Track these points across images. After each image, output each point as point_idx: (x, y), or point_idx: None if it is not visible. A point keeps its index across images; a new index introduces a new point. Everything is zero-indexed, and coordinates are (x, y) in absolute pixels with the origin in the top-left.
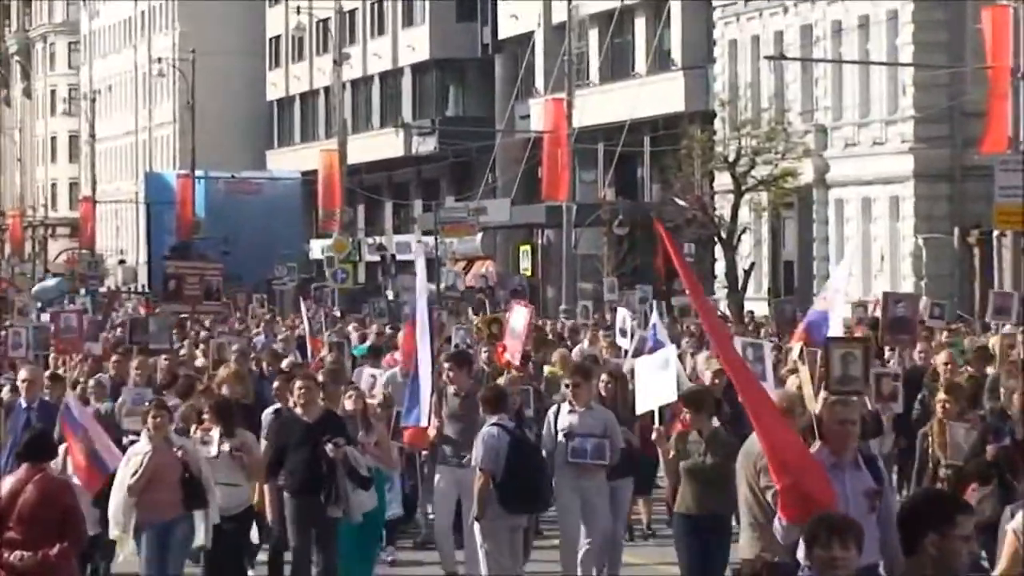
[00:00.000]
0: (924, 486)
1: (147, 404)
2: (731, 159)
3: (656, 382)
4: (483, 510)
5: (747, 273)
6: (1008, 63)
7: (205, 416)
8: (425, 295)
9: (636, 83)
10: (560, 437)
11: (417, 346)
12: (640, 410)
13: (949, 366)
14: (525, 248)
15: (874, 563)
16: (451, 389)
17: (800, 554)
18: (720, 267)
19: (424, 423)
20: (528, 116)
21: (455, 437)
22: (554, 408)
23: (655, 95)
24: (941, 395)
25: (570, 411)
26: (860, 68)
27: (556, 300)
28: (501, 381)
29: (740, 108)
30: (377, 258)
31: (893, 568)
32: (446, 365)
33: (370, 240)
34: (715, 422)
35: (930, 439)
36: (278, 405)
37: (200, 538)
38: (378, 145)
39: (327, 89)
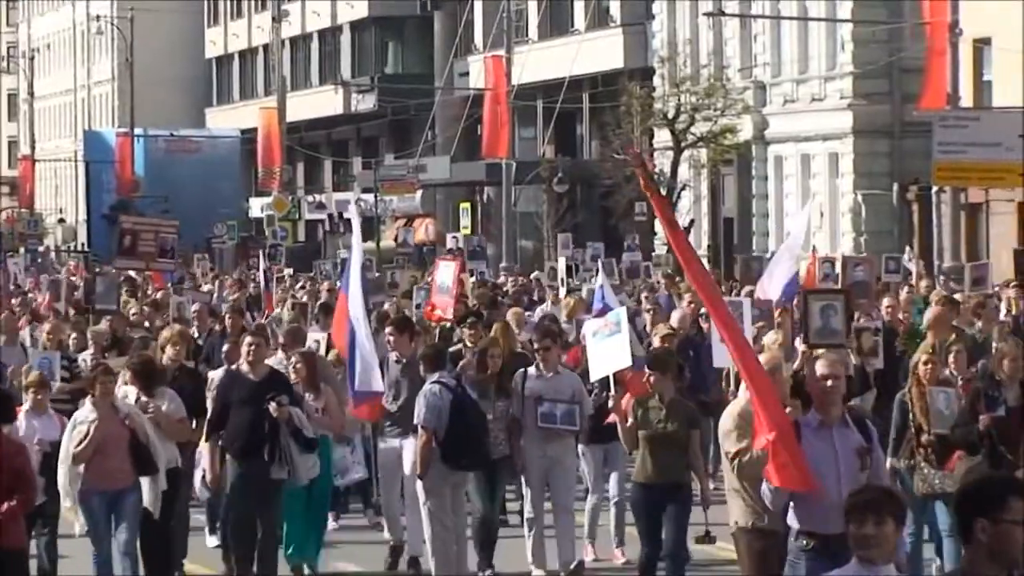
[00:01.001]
0: (903, 454)
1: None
2: (670, 116)
3: (608, 347)
4: (426, 468)
5: (687, 230)
6: (946, 18)
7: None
8: (360, 257)
9: (575, 40)
10: (528, 401)
11: (349, 314)
12: (594, 377)
13: (936, 328)
14: (465, 206)
15: None
16: (392, 356)
17: (791, 519)
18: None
19: (379, 388)
20: (467, 73)
21: (398, 407)
22: (520, 372)
23: (594, 52)
24: (923, 358)
25: (537, 375)
26: (799, 24)
27: (496, 257)
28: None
29: (679, 65)
30: (317, 216)
31: None
32: (387, 331)
33: (310, 198)
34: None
35: (910, 406)
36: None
37: (147, 502)
38: (317, 103)
39: (266, 47)
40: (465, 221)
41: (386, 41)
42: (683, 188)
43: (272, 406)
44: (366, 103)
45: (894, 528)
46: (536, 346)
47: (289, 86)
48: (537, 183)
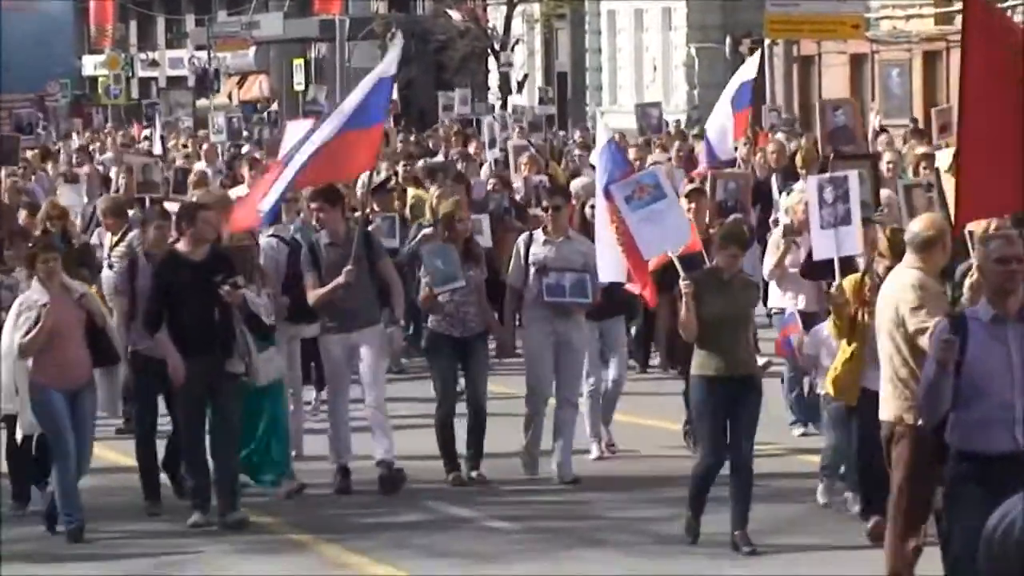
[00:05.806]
0: None
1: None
2: None
3: (656, 218)
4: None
5: (520, 84)
6: None
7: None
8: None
9: None
10: (531, 271)
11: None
12: (648, 256)
13: None
14: (299, 62)
15: None
16: (324, 238)
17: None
18: (493, 78)
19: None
20: None
21: (339, 298)
22: (524, 237)
23: None
24: None
25: (544, 241)
26: None
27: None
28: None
29: None
30: (150, 74)
31: None
32: (313, 205)
33: (143, 56)
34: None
35: None
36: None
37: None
38: None
39: None
40: (299, 77)
41: None
42: (516, 43)
43: (225, 289)
44: None
45: None
46: (545, 205)
47: None
48: (371, 39)
